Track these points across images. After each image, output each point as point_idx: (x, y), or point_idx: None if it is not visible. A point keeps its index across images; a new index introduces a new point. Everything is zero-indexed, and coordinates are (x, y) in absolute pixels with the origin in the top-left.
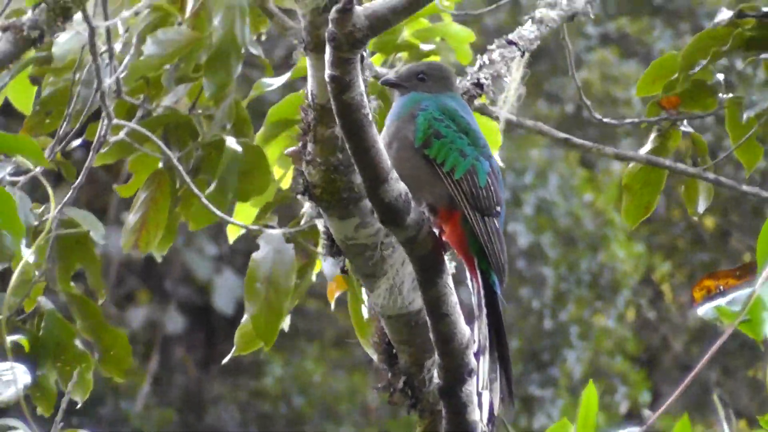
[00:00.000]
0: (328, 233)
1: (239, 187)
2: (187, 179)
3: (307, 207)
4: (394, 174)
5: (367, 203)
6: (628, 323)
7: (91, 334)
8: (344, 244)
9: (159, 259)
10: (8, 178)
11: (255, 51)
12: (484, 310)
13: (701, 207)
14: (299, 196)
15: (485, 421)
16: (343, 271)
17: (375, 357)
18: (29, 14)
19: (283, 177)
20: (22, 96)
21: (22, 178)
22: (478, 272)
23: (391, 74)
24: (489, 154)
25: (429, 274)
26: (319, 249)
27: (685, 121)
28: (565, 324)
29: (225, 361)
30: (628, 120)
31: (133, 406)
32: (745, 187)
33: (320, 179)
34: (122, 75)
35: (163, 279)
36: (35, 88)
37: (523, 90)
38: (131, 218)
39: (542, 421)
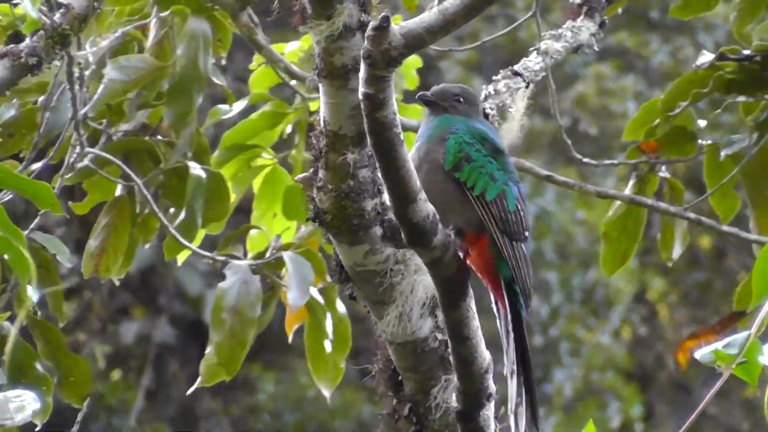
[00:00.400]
0: (338, 260)
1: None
2: (156, 209)
3: (272, 239)
4: (423, 195)
5: (378, 230)
6: (623, 341)
7: (51, 359)
8: (353, 271)
9: (117, 283)
10: None
11: (218, 80)
12: (512, 335)
13: (676, 252)
14: (310, 223)
15: None
16: (351, 297)
17: (381, 384)
18: (27, 41)
19: (237, 199)
20: None
21: None
22: (506, 297)
23: (428, 93)
24: (517, 179)
25: (453, 296)
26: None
27: (663, 167)
28: (556, 340)
29: (189, 392)
30: (608, 162)
31: (127, 421)
32: (724, 228)
33: (331, 205)
34: (88, 101)
35: (157, 294)
36: None
37: (525, 121)
38: (92, 243)
39: None
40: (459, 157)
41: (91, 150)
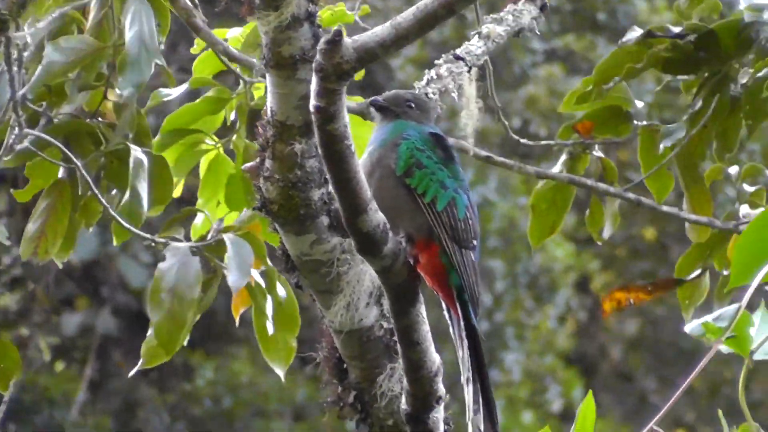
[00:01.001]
0: (284, 248)
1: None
2: (96, 191)
3: (214, 223)
4: (374, 205)
5: (324, 220)
6: (567, 329)
7: None
8: (300, 260)
9: (60, 266)
10: None
11: (159, 61)
12: (465, 342)
13: (606, 232)
14: (256, 212)
15: None
16: (298, 286)
17: (325, 372)
18: None
19: (177, 184)
20: None
21: None
22: (457, 304)
23: (379, 98)
24: (467, 186)
25: (402, 303)
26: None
27: (596, 146)
28: (502, 325)
29: (130, 374)
30: (544, 141)
31: (69, 414)
32: (665, 208)
33: (278, 195)
34: (27, 83)
35: (101, 285)
36: None
37: (481, 103)
38: (30, 226)
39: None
40: (410, 162)
41: (30, 131)
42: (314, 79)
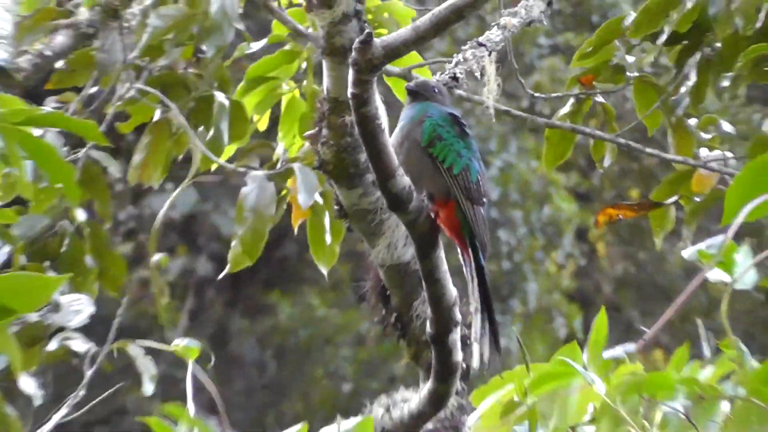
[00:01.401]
0: (338, 200)
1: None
2: (190, 131)
3: (279, 149)
4: (401, 171)
5: (370, 177)
6: (568, 271)
7: (95, 254)
8: (351, 209)
9: (156, 187)
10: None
11: (239, 26)
12: (476, 279)
13: (607, 162)
14: (317, 171)
15: (477, 365)
16: (349, 230)
17: (372, 299)
18: (86, 15)
19: (260, 120)
20: None
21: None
22: (469, 250)
23: (412, 84)
24: (478, 157)
25: (426, 249)
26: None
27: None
28: (519, 264)
29: (221, 276)
30: (555, 94)
31: (173, 336)
32: (648, 150)
33: (332, 158)
34: (134, 45)
35: (197, 236)
36: None
37: (500, 80)
38: (136, 158)
39: (504, 340)
40: (433, 136)
41: (136, 85)
42: (350, 72)
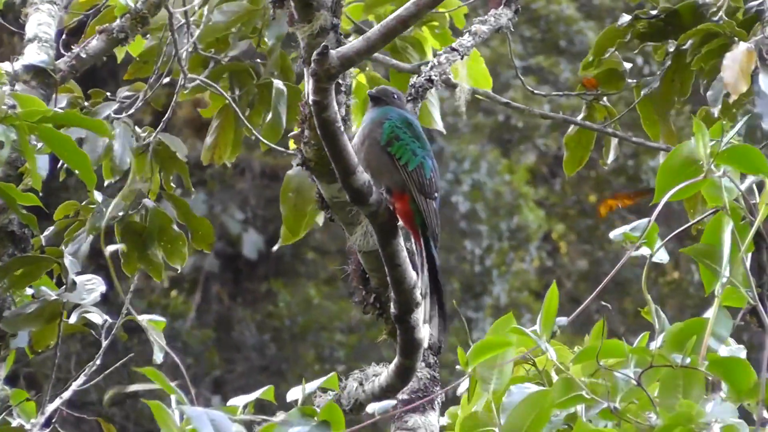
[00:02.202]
0: (320, 193)
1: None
2: (244, 120)
3: None
4: (360, 168)
5: None
6: (534, 269)
7: (183, 220)
8: (331, 201)
9: (229, 164)
10: (113, 115)
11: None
12: (426, 266)
13: (611, 158)
14: (299, 167)
15: (427, 344)
16: (330, 219)
17: (353, 281)
18: (117, 21)
19: None
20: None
21: (123, 115)
22: (421, 239)
23: (374, 90)
24: (432, 155)
25: (386, 236)
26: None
27: (605, 98)
28: (490, 268)
29: (275, 248)
30: (555, 93)
31: (183, 326)
32: (634, 139)
33: (314, 155)
34: (198, 38)
35: None
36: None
37: (470, 81)
38: (208, 140)
39: (477, 334)
40: (391, 136)
41: (193, 76)
42: (310, 81)
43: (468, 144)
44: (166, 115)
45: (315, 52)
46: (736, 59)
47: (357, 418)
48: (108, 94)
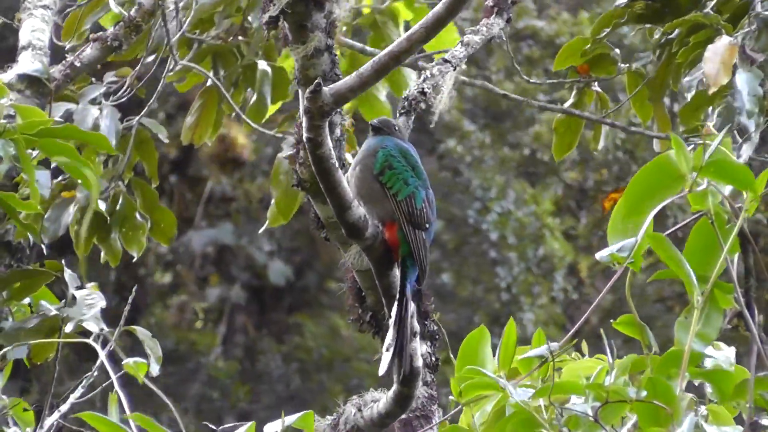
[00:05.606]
0: (316, 214)
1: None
2: (229, 99)
3: None
4: (355, 202)
5: None
6: (560, 303)
7: (146, 210)
8: (326, 222)
9: (209, 144)
10: (102, 99)
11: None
12: (397, 296)
13: (601, 144)
14: (294, 187)
15: (381, 373)
16: (326, 239)
17: (349, 299)
18: (111, 29)
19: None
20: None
21: (110, 101)
22: (400, 267)
23: (375, 120)
24: (427, 186)
25: (383, 269)
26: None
27: (596, 83)
28: (517, 295)
29: (261, 231)
30: (550, 80)
31: (208, 359)
32: (631, 128)
33: (308, 176)
34: (185, 19)
35: (230, 266)
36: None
37: (454, 93)
38: (188, 120)
39: None
40: (384, 165)
41: (182, 62)
42: (304, 118)
43: (495, 175)
44: (152, 98)
45: (307, 90)
46: (717, 52)
47: None
48: (93, 79)
